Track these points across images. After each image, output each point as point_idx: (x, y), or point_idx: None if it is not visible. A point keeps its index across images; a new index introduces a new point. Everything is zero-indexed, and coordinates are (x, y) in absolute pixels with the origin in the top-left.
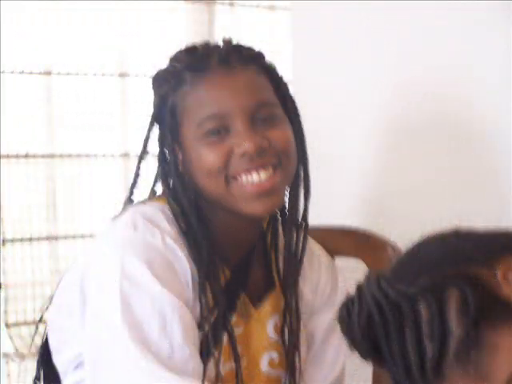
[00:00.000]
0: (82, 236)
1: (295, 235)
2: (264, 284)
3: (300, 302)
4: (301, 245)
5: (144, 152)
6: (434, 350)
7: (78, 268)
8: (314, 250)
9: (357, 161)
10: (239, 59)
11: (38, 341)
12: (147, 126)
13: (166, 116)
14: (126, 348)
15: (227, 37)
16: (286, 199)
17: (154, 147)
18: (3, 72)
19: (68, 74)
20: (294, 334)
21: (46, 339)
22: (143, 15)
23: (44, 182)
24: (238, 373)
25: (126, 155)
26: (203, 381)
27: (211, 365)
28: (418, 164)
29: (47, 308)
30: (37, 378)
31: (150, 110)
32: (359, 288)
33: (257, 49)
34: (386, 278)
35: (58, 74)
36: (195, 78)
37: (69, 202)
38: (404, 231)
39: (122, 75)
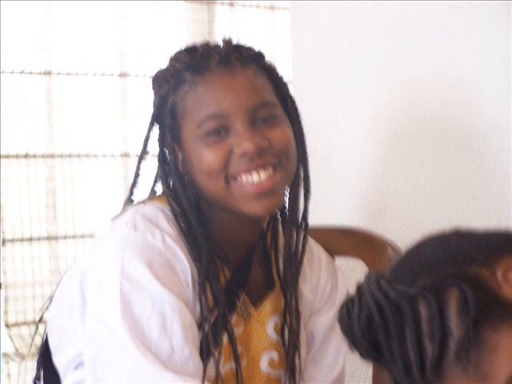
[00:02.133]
0: (82, 236)
1: (295, 235)
2: (264, 284)
3: (300, 302)
4: (301, 245)
5: (144, 152)
6: (433, 350)
7: (77, 268)
8: (314, 250)
9: (357, 161)
10: (239, 59)
11: (38, 341)
12: (147, 126)
13: (166, 116)
14: (126, 348)
15: (227, 37)
16: (286, 199)
17: (153, 147)
18: (3, 72)
19: (68, 73)
20: (294, 333)
21: (46, 339)
22: (143, 15)
23: (44, 182)
24: (238, 373)
25: (126, 155)
26: (203, 381)
27: (211, 365)
28: (417, 164)
29: (47, 308)
30: (37, 378)
31: (150, 110)
32: (359, 288)
33: (257, 49)
34: (385, 278)
35: (58, 74)
36: (195, 78)
37: (69, 202)
38: (404, 231)
39: (122, 75)
